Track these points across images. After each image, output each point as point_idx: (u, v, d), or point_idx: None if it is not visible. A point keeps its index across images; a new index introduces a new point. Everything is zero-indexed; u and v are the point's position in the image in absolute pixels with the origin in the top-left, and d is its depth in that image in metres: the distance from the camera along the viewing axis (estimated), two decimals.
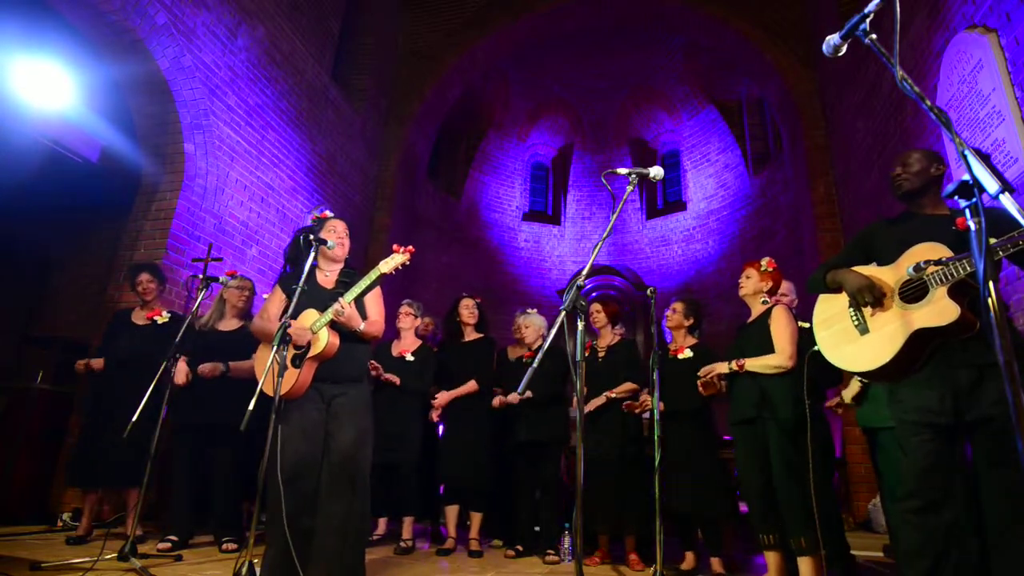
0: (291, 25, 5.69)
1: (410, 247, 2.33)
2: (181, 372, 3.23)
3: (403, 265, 2.30)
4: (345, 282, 2.40)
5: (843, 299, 1.98)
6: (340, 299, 2.22)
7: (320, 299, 2.32)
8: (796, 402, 2.48)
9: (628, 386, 3.33)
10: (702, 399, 3.01)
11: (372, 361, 3.53)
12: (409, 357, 3.67)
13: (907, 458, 1.74)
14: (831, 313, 2.01)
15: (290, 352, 2.21)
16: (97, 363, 3.40)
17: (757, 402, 2.55)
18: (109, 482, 3.31)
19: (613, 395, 3.29)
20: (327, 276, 2.46)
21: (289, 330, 2.14)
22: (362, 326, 2.29)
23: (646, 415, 3.13)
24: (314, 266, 2.39)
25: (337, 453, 2.19)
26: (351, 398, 2.29)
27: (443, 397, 3.61)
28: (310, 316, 2.28)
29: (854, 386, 2.81)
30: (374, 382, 3.59)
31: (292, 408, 2.21)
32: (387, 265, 2.28)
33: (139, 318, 3.52)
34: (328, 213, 2.52)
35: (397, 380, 3.54)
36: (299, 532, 2.06)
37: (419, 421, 3.64)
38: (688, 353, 3.16)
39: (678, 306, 3.31)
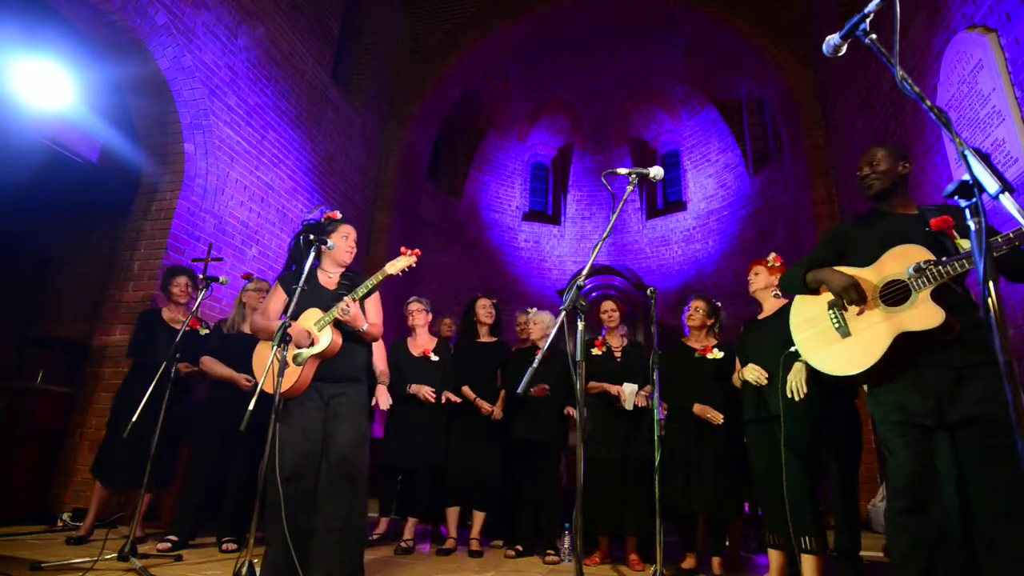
0: (291, 25, 5.69)
1: (416, 250, 2.35)
2: (242, 379, 3.28)
3: (409, 267, 2.33)
4: (347, 284, 2.41)
5: (820, 301, 1.96)
6: (346, 298, 2.23)
7: (323, 299, 2.33)
8: (817, 399, 2.45)
9: (650, 388, 3.32)
10: (731, 398, 2.98)
11: (415, 385, 3.54)
12: (434, 357, 3.67)
13: (893, 459, 1.74)
14: (809, 315, 1.99)
15: (291, 350, 2.20)
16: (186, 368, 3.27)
17: (774, 399, 2.51)
18: (138, 485, 3.27)
19: (648, 395, 3.29)
20: (330, 278, 2.46)
21: (289, 330, 2.14)
22: (365, 326, 2.30)
23: (660, 416, 3.11)
24: (315, 267, 2.40)
25: (336, 453, 2.19)
26: (350, 398, 2.29)
27: (498, 411, 3.57)
28: (313, 315, 2.28)
29: None
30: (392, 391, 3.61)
31: (292, 407, 2.21)
32: (394, 267, 2.30)
33: (174, 322, 3.49)
34: (338, 214, 2.51)
35: (457, 399, 3.57)
36: (298, 531, 2.06)
37: (445, 424, 3.63)
38: (718, 353, 3.13)
39: (700, 305, 3.26)
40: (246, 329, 3.50)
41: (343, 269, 2.51)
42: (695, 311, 3.26)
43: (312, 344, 2.23)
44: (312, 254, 2.27)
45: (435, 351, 3.70)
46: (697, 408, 3.04)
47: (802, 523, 2.38)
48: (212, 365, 3.33)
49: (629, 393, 3.27)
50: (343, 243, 2.44)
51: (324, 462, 2.19)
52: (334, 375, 2.28)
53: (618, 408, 3.29)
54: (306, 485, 2.14)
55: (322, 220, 2.47)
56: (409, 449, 3.51)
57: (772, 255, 2.88)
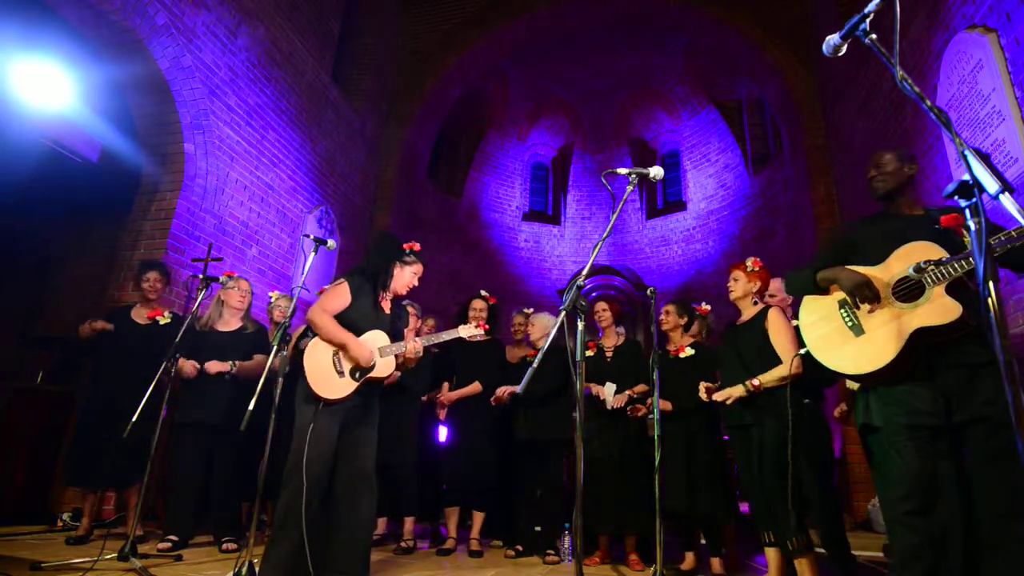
0: (291, 25, 5.69)
1: (487, 326, 2.72)
2: (189, 365, 3.23)
3: (478, 337, 2.66)
4: (397, 312, 2.55)
5: (831, 300, 1.96)
6: (419, 341, 2.38)
7: (382, 321, 2.43)
8: (789, 404, 2.46)
9: (643, 387, 3.32)
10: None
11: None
12: None
13: (900, 460, 1.74)
14: (820, 315, 1.98)
15: (349, 363, 2.29)
16: (102, 324, 3.30)
17: (751, 406, 2.55)
18: (108, 483, 3.30)
19: (635, 395, 3.29)
20: (388, 301, 2.55)
21: (362, 361, 2.25)
22: (412, 365, 2.47)
23: (649, 415, 3.13)
24: (376, 284, 2.48)
25: (360, 459, 2.27)
26: (369, 406, 2.39)
27: (448, 396, 3.60)
28: (379, 338, 2.36)
29: None
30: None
31: (326, 412, 2.24)
32: (465, 332, 2.57)
33: (140, 316, 3.48)
34: (417, 246, 2.60)
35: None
36: (314, 529, 2.09)
37: (416, 422, 3.64)
38: (689, 351, 3.18)
39: (670, 308, 3.34)
40: (221, 327, 3.50)
41: (392, 295, 2.59)
42: (666, 315, 3.33)
43: (374, 365, 2.33)
44: (312, 253, 2.30)
45: None
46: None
47: (785, 526, 2.40)
48: (190, 362, 3.29)
49: (608, 393, 3.28)
50: (412, 279, 2.55)
51: (345, 466, 2.25)
52: (364, 390, 2.36)
53: (601, 408, 3.30)
54: (324, 485, 2.19)
55: (406, 249, 2.56)
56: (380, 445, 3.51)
57: (751, 259, 2.87)
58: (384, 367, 2.31)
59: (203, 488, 3.30)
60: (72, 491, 3.77)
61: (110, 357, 3.36)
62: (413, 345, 2.32)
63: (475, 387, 3.63)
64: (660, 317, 3.34)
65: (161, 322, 3.43)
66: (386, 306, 2.50)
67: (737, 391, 2.58)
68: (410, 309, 3.84)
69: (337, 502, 2.20)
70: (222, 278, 3.12)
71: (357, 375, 2.27)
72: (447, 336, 2.52)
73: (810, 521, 2.51)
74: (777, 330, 2.61)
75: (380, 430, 3.49)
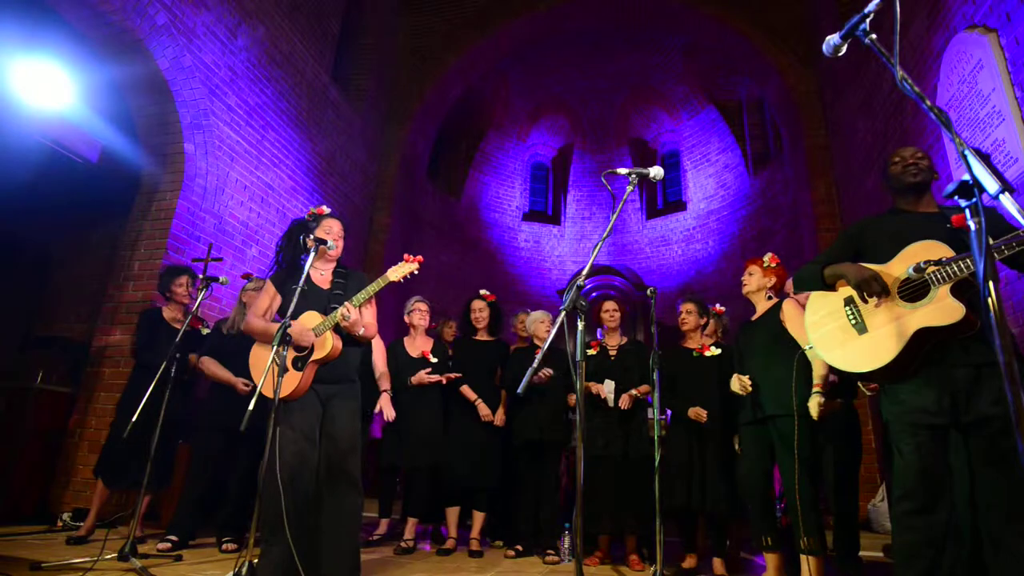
0: (291, 25, 5.69)
1: (419, 257, 2.33)
2: (240, 383, 3.23)
3: (412, 274, 2.30)
4: (341, 283, 2.38)
5: (836, 297, 1.95)
6: (347, 304, 2.20)
7: (318, 299, 2.30)
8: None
9: (646, 387, 3.32)
10: (729, 396, 3.00)
11: (415, 377, 3.53)
12: (432, 359, 3.68)
13: (904, 458, 1.74)
14: (825, 312, 1.98)
15: (290, 354, 2.19)
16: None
17: (778, 400, 2.50)
18: (147, 484, 3.28)
19: (640, 395, 3.29)
20: (322, 275, 2.43)
21: (289, 331, 2.11)
22: (362, 331, 2.28)
23: (657, 416, 3.12)
24: (297, 269, 2.37)
25: (336, 453, 2.19)
26: (346, 399, 2.30)
27: (500, 418, 3.54)
28: (312, 318, 2.25)
29: None
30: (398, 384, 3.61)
31: (292, 408, 2.20)
32: (396, 273, 2.27)
33: (175, 321, 3.49)
34: (325, 209, 2.47)
35: (456, 375, 3.60)
36: (300, 531, 2.06)
37: (444, 423, 3.63)
38: (715, 351, 3.15)
39: (691, 307, 3.29)
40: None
41: (333, 265, 2.47)
42: (687, 314, 3.29)
43: (312, 348, 2.21)
44: (312, 255, 2.25)
45: (433, 352, 3.71)
46: (690, 413, 3.06)
47: (804, 523, 2.38)
48: (211, 366, 3.33)
49: (608, 391, 3.28)
50: (328, 236, 2.38)
51: (325, 462, 2.19)
52: (330, 377, 2.28)
53: (604, 407, 3.30)
54: (306, 485, 2.14)
55: (306, 217, 2.45)
56: (409, 448, 3.52)
57: (768, 255, 2.87)
58: (321, 345, 2.19)
59: (211, 489, 3.30)
60: (72, 491, 3.77)
61: (156, 363, 3.31)
62: (341, 311, 2.17)
63: (504, 399, 3.63)
64: (680, 316, 3.31)
65: (203, 331, 3.48)
66: (324, 281, 2.39)
67: (816, 403, 2.37)
68: (424, 304, 3.83)
69: (320, 503, 2.15)
70: (222, 278, 3.10)
71: (299, 364, 2.19)
72: (376, 287, 2.26)
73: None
74: (791, 317, 2.59)
75: (408, 433, 3.50)
